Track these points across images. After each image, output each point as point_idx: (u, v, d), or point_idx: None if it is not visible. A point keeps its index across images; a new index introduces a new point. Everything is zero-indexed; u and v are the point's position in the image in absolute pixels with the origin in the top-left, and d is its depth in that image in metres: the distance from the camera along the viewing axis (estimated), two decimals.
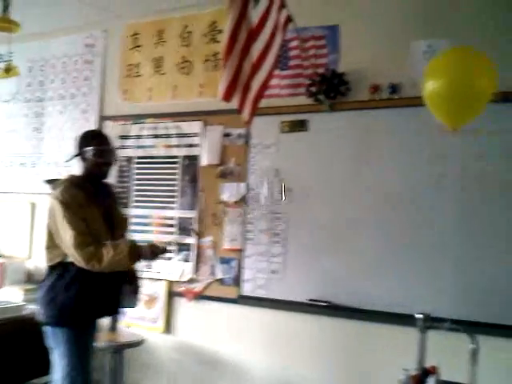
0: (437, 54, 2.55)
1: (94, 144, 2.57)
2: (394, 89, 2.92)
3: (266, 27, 2.76)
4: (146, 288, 3.63)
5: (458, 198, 2.65)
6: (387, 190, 2.92)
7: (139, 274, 2.87)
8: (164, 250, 2.64)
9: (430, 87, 2.17)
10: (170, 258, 3.55)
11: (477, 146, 2.70)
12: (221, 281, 3.42)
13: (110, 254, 2.38)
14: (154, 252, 2.56)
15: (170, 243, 2.96)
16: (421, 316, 2.13)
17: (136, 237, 3.30)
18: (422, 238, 2.81)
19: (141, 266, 2.87)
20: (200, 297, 3.49)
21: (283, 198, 3.17)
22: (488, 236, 2.68)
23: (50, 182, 2.65)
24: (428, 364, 2.13)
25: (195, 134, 3.58)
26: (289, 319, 3.19)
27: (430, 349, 2.16)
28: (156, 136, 3.75)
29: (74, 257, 2.40)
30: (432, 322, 2.13)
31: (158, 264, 3.56)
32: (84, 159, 2.60)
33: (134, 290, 2.77)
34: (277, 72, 3.24)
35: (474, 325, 2.50)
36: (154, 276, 3.64)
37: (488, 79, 2.15)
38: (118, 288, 2.63)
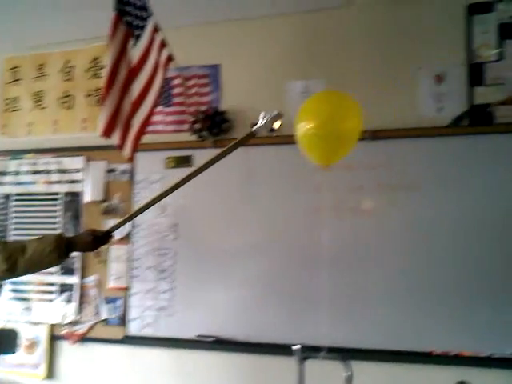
0: (312, 95, 2.71)
1: None
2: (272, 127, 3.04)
3: (147, 65, 2.79)
4: (25, 332, 3.42)
5: (334, 229, 2.79)
6: (269, 223, 3.02)
7: None
8: (107, 236, 2.29)
9: (301, 129, 2.29)
10: (50, 300, 3.37)
11: (351, 180, 2.89)
12: (106, 321, 3.30)
13: (33, 244, 2.11)
14: (96, 238, 2.23)
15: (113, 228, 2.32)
16: (298, 347, 2.19)
17: None
18: (300, 269, 2.92)
19: None
20: (84, 339, 3.34)
21: None
22: (361, 263, 2.83)
23: None
24: None
25: (77, 170, 3.47)
26: (178, 357, 3.14)
27: (314, 377, 2.25)
28: (36, 172, 3.59)
29: None
30: (309, 352, 2.21)
31: (37, 306, 3.38)
32: None
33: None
34: (161, 109, 3.27)
35: (350, 351, 2.64)
36: (33, 319, 3.44)
37: (355, 120, 2.31)
38: None
